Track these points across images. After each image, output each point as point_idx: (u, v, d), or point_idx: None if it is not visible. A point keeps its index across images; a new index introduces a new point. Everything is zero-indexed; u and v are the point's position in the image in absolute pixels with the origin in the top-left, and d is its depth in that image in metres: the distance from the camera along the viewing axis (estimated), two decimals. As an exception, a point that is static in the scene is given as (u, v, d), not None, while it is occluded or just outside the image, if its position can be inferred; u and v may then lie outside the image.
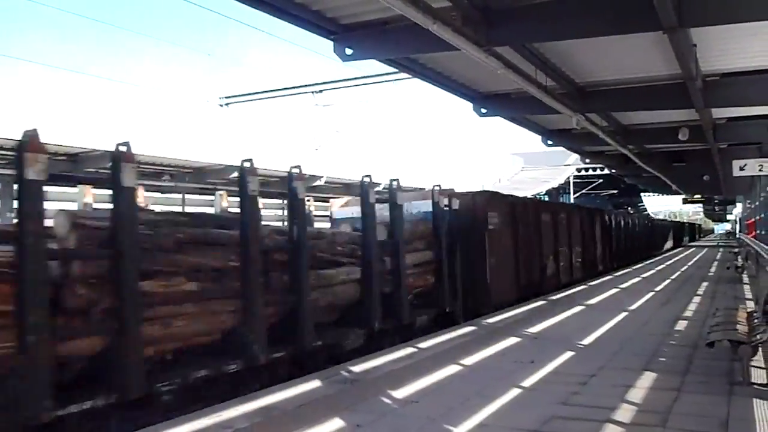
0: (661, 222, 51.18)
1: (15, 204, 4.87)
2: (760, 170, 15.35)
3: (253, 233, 6.63)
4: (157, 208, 8.14)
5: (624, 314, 10.90)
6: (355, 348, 8.09)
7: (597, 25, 8.59)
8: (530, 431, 4.66)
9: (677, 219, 74.27)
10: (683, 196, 44.28)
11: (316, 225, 12.81)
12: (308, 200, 8.24)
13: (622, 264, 23.82)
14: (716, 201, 55.14)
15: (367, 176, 8.77)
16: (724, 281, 17.29)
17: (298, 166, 7.43)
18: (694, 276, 19.68)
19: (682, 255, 35.43)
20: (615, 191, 48.90)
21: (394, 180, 9.48)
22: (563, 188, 42.79)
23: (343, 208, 12.46)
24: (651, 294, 14.27)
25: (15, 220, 4.92)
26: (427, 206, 10.63)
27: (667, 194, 48.22)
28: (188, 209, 12.81)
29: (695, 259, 31.38)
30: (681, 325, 9.68)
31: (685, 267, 24.88)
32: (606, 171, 33.69)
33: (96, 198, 8.02)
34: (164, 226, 6.24)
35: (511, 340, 8.49)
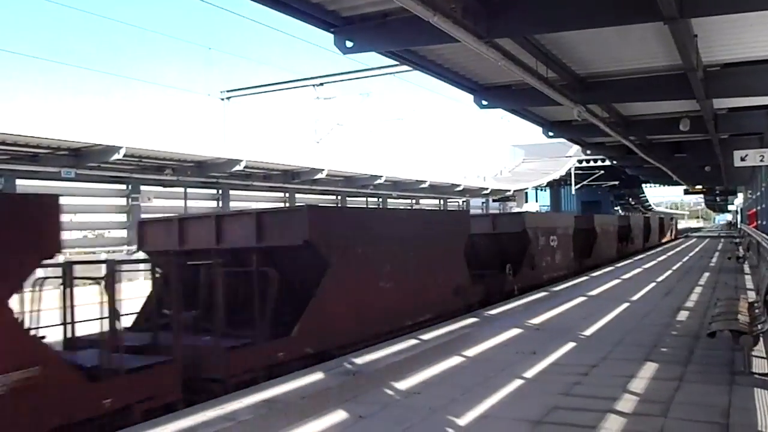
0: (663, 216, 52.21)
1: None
2: (761, 160, 15.32)
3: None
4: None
5: (626, 305, 10.93)
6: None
7: (598, 15, 8.59)
8: (532, 422, 4.69)
9: (677, 211, 74.78)
10: (684, 187, 44.22)
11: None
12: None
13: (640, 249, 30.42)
14: (717, 191, 55.04)
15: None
16: (725, 271, 17.32)
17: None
18: (696, 266, 19.70)
19: (683, 245, 35.44)
20: (616, 182, 48.91)
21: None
22: (564, 180, 42.77)
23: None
24: (653, 285, 14.29)
25: None
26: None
27: (669, 185, 48.19)
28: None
29: (697, 249, 31.37)
30: (682, 315, 9.71)
31: (687, 258, 24.88)
32: (607, 162, 33.71)
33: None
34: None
35: (514, 331, 8.52)
